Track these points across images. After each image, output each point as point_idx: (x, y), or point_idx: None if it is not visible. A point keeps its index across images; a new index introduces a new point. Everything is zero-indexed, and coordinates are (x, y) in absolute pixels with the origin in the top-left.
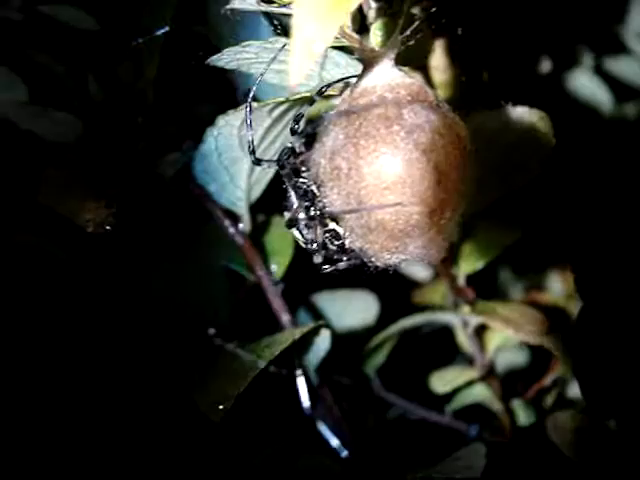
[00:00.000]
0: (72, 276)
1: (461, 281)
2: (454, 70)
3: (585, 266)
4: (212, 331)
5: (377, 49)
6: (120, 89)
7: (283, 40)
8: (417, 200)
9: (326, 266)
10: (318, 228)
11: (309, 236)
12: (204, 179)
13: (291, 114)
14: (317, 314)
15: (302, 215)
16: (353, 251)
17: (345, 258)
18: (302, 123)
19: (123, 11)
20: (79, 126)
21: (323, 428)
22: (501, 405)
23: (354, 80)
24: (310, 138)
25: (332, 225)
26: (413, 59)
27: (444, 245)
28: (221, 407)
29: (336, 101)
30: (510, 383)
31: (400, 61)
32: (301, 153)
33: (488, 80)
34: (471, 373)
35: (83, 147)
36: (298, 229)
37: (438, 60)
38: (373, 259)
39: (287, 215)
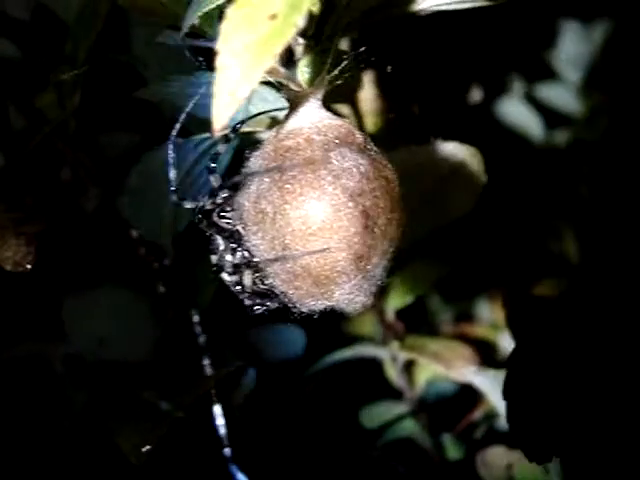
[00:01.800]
0: None
1: (390, 315)
2: (383, 103)
3: (516, 299)
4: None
5: (304, 87)
6: (42, 119)
7: (208, 75)
8: (344, 246)
9: (255, 307)
10: (245, 272)
11: (236, 279)
12: (128, 213)
13: (218, 147)
14: (244, 348)
15: (228, 259)
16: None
17: (273, 301)
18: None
19: (45, 39)
20: (0, 158)
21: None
22: (430, 440)
23: (280, 116)
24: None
25: (257, 270)
26: (341, 95)
27: (371, 291)
28: (143, 450)
29: (262, 136)
30: (439, 417)
31: (328, 97)
32: (223, 193)
33: (418, 112)
34: (400, 407)
35: (3, 180)
36: (225, 273)
37: (367, 93)
38: (298, 305)
39: (213, 259)
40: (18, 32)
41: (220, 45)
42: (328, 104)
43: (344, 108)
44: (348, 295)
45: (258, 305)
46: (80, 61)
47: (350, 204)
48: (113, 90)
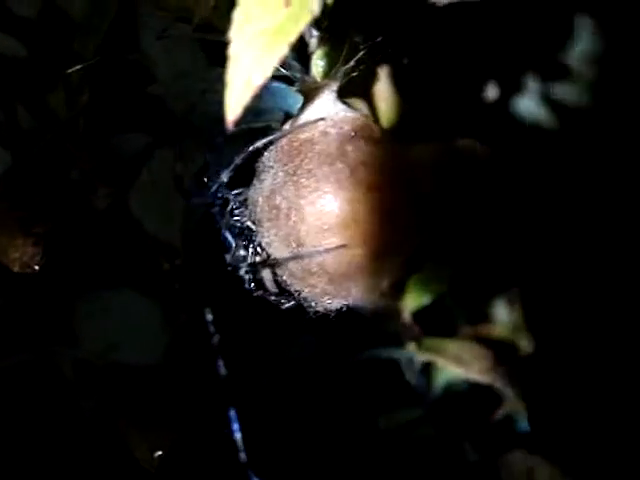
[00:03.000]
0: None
1: (406, 317)
2: (399, 98)
3: (534, 299)
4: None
5: (319, 80)
6: (51, 118)
7: (219, 70)
8: (360, 242)
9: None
10: (258, 270)
11: (249, 277)
12: (139, 213)
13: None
14: (257, 348)
15: (242, 257)
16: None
17: (289, 299)
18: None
19: (53, 38)
20: (8, 157)
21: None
22: (449, 442)
23: (292, 111)
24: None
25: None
26: (356, 89)
27: (387, 288)
28: (156, 455)
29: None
30: (458, 419)
31: (342, 91)
32: (233, 190)
33: (434, 109)
34: (418, 410)
35: (11, 180)
36: (240, 271)
37: (382, 88)
38: (313, 304)
39: (227, 258)
40: (25, 30)
41: (232, 33)
42: (343, 98)
43: (358, 103)
44: (364, 293)
45: (274, 303)
46: (89, 59)
47: (367, 199)
48: (123, 88)
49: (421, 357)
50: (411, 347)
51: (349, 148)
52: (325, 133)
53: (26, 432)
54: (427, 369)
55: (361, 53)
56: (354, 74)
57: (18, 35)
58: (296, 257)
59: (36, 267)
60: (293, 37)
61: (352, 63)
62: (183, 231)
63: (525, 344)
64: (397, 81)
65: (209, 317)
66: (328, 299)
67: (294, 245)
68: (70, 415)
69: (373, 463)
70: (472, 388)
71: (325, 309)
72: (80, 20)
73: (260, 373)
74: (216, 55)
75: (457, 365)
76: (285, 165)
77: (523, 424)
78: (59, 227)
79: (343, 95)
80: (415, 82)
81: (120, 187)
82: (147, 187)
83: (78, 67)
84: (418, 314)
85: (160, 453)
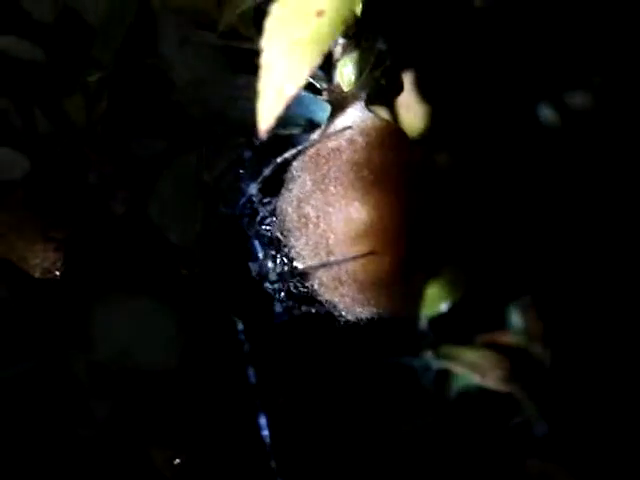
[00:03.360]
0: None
1: (423, 324)
2: (424, 108)
3: (548, 306)
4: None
5: (346, 88)
6: (69, 124)
7: (245, 77)
8: (389, 249)
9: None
10: (288, 280)
11: (278, 287)
12: (158, 219)
13: (249, 152)
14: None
15: (270, 267)
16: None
17: (318, 308)
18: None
19: (71, 43)
20: (26, 163)
21: None
22: (465, 451)
23: (318, 119)
24: (270, 182)
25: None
26: (381, 98)
27: (417, 296)
28: (176, 462)
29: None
30: (474, 427)
31: (371, 99)
32: (262, 199)
33: (458, 116)
34: (434, 417)
35: (30, 185)
36: (267, 282)
37: (407, 97)
38: (343, 313)
39: (254, 268)
40: (44, 35)
41: (265, 42)
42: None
43: (382, 112)
44: (394, 301)
45: (301, 312)
46: (107, 64)
47: (394, 206)
48: (142, 94)
49: (437, 364)
50: (427, 354)
51: (376, 156)
52: (352, 141)
53: (38, 437)
54: (444, 376)
55: (387, 62)
56: (381, 82)
57: (36, 39)
58: (324, 265)
59: (57, 273)
60: (326, 47)
61: (378, 73)
62: (203, 238)
63: (540, 352)
64: (422, 90)
65: (240, 326)
66: (359, 308)
67: (323, 254)
68: (84, 420)
69: (394, 469)
70: (488, 396)
71: (356, 318)
72: (99, 25)
73: (287, 381)
74: (240, 62)
75: (473, 372)
76: (313, 174)
77: (539, 431)
78: (78, 232)
79: (370, 103)
80: (441, 91)
81: (139, 192)
82: (166, 193)
83: (98, 75)
84: (435, 321)
85: (179, 461)
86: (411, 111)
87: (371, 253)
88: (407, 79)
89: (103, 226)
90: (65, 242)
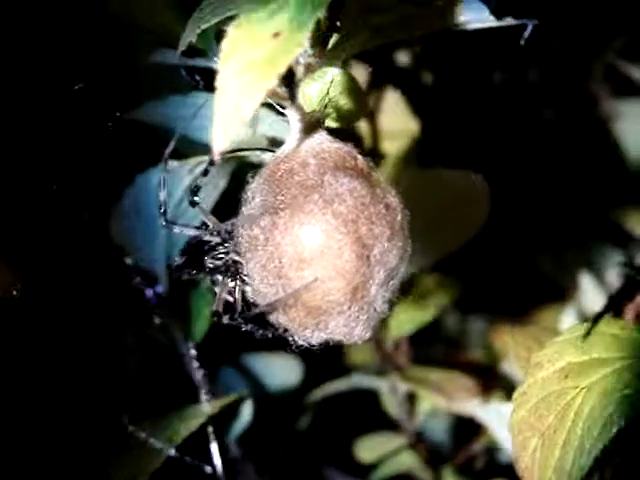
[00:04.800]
0: None
1: (390, 345)
2: (408, 123)
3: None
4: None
5: (306, 109)
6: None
7: (204, 95)
8: (335, 274)
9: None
10: (239, 301)
11: (234, 316)
12: (121, 239)
13: (214, 171)
14: (238, 376)
15: (227, 298)
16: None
17: (272, 331)
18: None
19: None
20: None
21: None
22: (430, 473)
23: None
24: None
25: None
26: (348, 117)
27: (372, 324)
28: None
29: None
30: (439, 449)
31: (338, 118)
32: (215, 227)
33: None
34: (398, 440)
35: None
36: (225, 315)
37: (389, 113)
38: (295, 336)
39: (213, 306)
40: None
41: (221, 64)
42: (344, 124)
43: (364, 128)
44: (345, 327)
45: (257, 334)
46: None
47: (342, 230)
48: (107, 110)
49: (404, 386)
50: (394, 376)
51: (327, 179)
52: (305, 164)
53: None
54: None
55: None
56: (343, 102)
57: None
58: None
59: (14, 293)
60: (282, 68)
61: (341, 93)
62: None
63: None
64: (406, 105)
65: (192, 352)
66: (308, 332)
67: (271, 276)
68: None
69: None
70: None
71: (306, 342)
72: None
73: (242, 404)
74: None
75: (439, 395)
76: (265, 195)
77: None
78: (39, 252)
79: (340, 121)
80: (425, 107)
81: (101, 212)
82: (128, 212)
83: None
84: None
85: None
86: (394, 126)
87: (315, 280)
88: (391, 95)
89: (65, 245)
90: (24, 261)
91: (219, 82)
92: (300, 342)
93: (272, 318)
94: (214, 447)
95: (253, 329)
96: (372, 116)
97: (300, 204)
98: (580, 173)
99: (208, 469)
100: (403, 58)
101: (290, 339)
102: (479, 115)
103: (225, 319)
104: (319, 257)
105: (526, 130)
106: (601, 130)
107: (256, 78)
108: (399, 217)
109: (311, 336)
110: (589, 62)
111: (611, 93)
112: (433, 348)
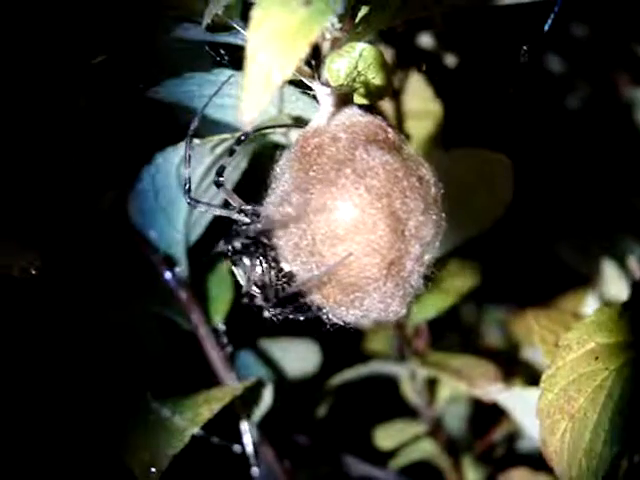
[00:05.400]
0: None
1: (410, 330)
2: (432, 104)
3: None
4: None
5: (334, 84)
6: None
7: (228, 72)
8: (370, 250)
9: (281, 317)
10: (274, 286)
11: (265, 294)
12: (140, 220)
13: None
14: (257, 362)
15: (257, 276)
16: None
17: (304, 312)
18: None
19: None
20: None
21: None
22: (449, 461)
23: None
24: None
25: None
26: (376, 93)
27: (407, 300)
28: (153, 470)
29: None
30: (458, 437)
31: (361, 95)
32: (242, 206)
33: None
34: (417, 428)
35: (8, 183)
36: (254, 292)
37: (413, 93)
38: (330, 314)
39: (241, 280)
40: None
41: (250, 32)
42: (372, 100)
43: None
44: (380, 304)
45: (291, 316)
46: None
47: (376, 205)
48: (126, 89)
49: (423, 372)
50: (414, 362)
51: (359, 153)
52: (335, 138)
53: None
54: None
55: (371, 60)
56: (371, 77)
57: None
58: (304, 266)
59: (33, 272)
60: (313, 36)
61: (367, 69)
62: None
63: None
64: (431, 87)
65: (222, 327)
66: (343, 310)
67: (304, 254)
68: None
69: None
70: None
71: (342, 320)
72: None
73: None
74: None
75: (460, 381)
76: (295, 172)
77: (524, 443)
78: (57, 232)
79: (367, 98)
80: (450, 88)
81: (122, 191)
82: (148, 191)
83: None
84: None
85: (157, 468)
86: (418, 106)
87: (349, 255)
88: (415, 76)
89: (85, 225)
90: (44, 242)
91: (249, 50)
92: (335, 321)
93: (306, 297)
94: (244, 426)
95: (286, 310)
96: (397, 96)
97: (332, 179)
98: (602, 160)
99: (237, 448)
100: (426, 40)
101: (324, 318)
102: (501, 100)
103: (258, 300)
104: (353, 233)
105: (548, 117)
106: (623, 117)
107: (288, 46)
108: (433, 190)
109: (346, 314)
110: (611, 50)
111: (633, 80)
112: (449, 337)
